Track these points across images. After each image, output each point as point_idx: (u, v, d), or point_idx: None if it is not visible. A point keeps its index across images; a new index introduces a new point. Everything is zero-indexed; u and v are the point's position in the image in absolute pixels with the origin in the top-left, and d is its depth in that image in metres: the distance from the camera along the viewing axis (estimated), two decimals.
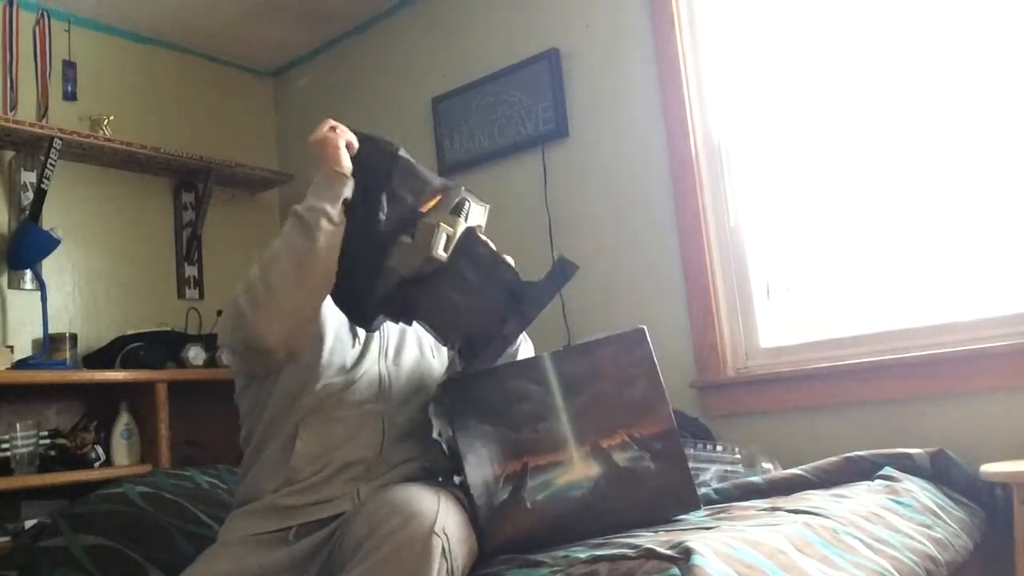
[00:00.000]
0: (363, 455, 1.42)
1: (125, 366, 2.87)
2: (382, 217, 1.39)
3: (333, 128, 1.42)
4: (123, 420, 2.86)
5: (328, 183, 1.37)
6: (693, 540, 1.11)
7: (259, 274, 1.34)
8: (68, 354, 2.83)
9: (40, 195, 2.84)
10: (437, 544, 1.16)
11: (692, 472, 1.51)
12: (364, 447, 1.43)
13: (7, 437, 2.61)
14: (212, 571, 1.35)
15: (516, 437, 1.38)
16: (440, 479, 1.46)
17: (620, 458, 1.38)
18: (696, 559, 1.05)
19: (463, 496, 1.37)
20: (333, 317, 1.49)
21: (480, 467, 1.37)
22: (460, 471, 1.40)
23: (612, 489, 1.37)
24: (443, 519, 1.19)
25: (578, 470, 1.38)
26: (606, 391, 1.41)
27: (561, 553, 1.26)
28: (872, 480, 1.70)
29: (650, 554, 1.11)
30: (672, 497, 1.39)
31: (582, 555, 1.20)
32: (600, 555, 1.17)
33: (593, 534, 1.34)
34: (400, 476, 1.42)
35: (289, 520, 1.38)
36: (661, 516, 1.39)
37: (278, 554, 1.35)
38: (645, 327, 1.45)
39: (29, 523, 2.31)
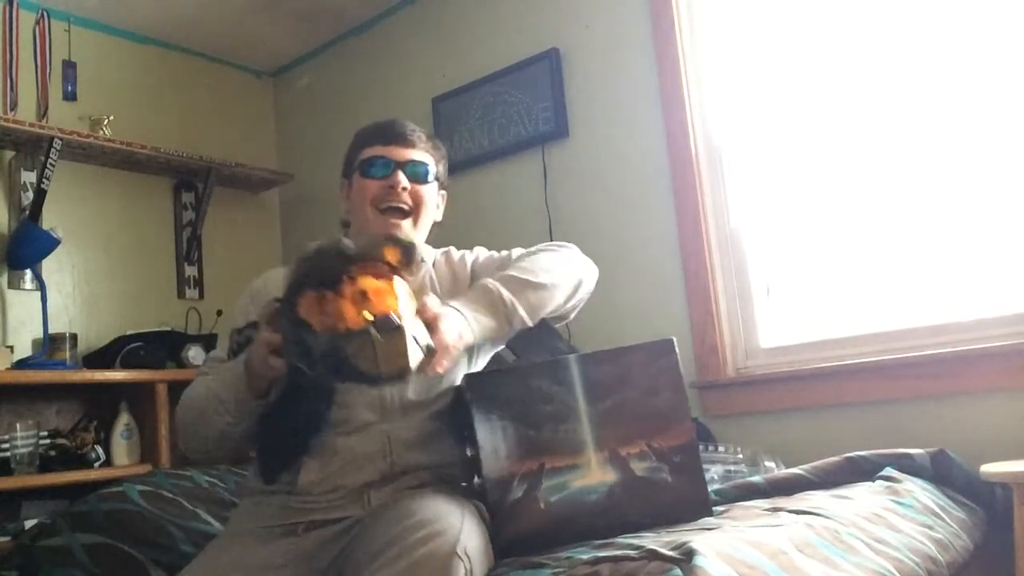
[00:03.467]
0: (370, 474, 1.41)
1: (125, 366, 2.87)
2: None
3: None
4: (123, 420, 2.86)
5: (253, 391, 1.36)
6: (695, 541, 1.11)
7: (189, 429, 1.50)
8: (68, 354, 2.84)
9: (40, 195, 2.84)
10: (459, 566, 1.15)
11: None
12: (370, 466, 1.41)
13: (7, 437, 2.61)
14: (220, 560, 1.35)
15: (536, 436, 1.38)
16: (455, 484, 1.45)
17: (637, 467, 1.38)
18: (698, 560, 1.05)
19: (484, 509, 1.36)
20: None
21: (497, 462, 1.37)
22: (479, 473, 1.39)
23: (626, 497, 1.37)
24: (466, 540, 1.19)
25: (595, 475, 1.38)
26: (630, 399, 1.40)
27: (563, 554, 1.25)
28: (873, 480, 1.70)
29: (652, 555, 1.11)
30: (685, 509, 1.39)
31: (584, 556, 1.20)
32: (602, 556, 1.17)
33: (602, 538, 1.33)
34: (412, 482, 1.41)
35: (298, 517, 1.39)
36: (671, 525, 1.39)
37: (286, 544, 1.36)
38: (674, 338, 1.44)
39: (29, 523, 2.31)
